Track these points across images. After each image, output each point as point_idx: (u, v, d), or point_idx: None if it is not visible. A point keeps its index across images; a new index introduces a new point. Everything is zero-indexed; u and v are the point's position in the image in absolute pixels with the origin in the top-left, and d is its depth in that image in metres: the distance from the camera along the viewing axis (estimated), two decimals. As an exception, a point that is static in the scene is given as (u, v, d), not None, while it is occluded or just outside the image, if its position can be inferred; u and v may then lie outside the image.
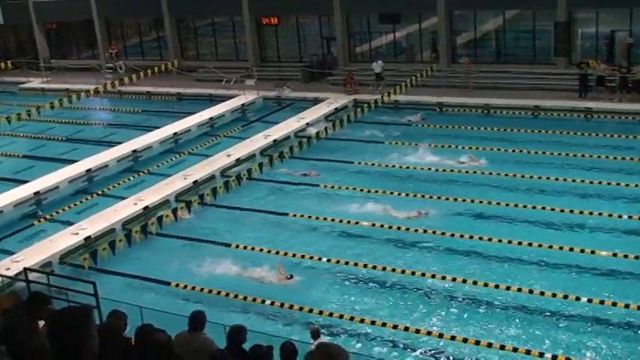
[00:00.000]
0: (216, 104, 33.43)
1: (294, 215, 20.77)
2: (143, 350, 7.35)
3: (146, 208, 21.36)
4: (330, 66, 37.45)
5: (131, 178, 25.34)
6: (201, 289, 16.79)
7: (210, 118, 31.53)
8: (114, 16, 44.42)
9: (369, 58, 37.13)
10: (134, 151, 27.39)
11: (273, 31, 39.76)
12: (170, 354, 7.25)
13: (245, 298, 16.22)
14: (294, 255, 18.27)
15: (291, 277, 16.99)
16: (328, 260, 17.85)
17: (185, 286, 17.02)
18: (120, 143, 28.27)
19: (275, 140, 27.37)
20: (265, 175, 24.27)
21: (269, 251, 18.61)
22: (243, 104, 33.53)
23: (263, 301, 16.02)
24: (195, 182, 23.34)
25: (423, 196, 21.42)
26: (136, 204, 21.58)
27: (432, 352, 13.86)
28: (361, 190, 22.36)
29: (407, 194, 21.68)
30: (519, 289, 15.70)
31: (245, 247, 18.93)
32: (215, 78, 37.97)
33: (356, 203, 21.32)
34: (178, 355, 7.68)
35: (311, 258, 18.06)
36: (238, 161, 25.23)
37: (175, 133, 29.45)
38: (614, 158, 23.33)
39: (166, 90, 37.31)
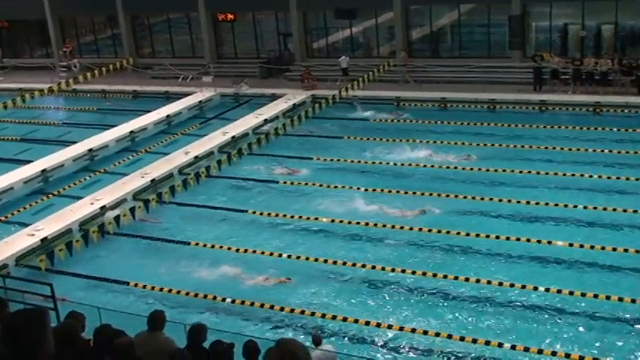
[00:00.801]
0: (173, 102, 33.15)
1: (254, 212, 20.69)
2: (102, 352, 7.26)
3: (103, 207, 21.10)
4: (287, 62, 37.39)
5: (87, 177, 25.03)
6: (161, 289, 16.64)
7: (167, 116, 31.26)
8: (67, 13, 43.76)
9: (327, 54, 37.21)
10: (90, 150, 27.03)
11: (230, 27, 39.56)
12: (130, 355, 7.16)
13: (205, 297, 16.11)
14: (254, 251, 18.20)
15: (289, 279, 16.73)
16: (289, 256, 17.82)
17: (144, 286, 16.85)
18: (75, 142, 27.87)
19: (233, 137, 27.24)
20: (224, 172, 24.17)
21: (229, 248, 18.52)
22: (200, 101, 33.32)
23: (224, 299, 15.93)
24: (152, 181, 23.13)
25: (382, 190, 21.57)
26: (92, 204, 21.31)
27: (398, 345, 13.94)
28: (320, 185, 22.37)
29: (366, 189, 21.74)
30: (477, 280, 15.87)
31: (205, 245, 18.81)
32: (171, 75, 37.64)
33: (317, 199, 21.34)
34: (139, 356, 7.61)
35: (271, 254, 18.00)
36: (196, 159, 25.06)
37: (132, 132, 29.13)
38: (569, 149, 23.66)
39: (122, 88, 36.91)
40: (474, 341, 13.64)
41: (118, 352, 7.14)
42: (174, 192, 22.22)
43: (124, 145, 28.34)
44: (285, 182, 22.91)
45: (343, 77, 33.26)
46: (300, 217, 20.08)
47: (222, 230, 19.87)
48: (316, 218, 19.90)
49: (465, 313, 14.84)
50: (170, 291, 16.50)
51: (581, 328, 14.04)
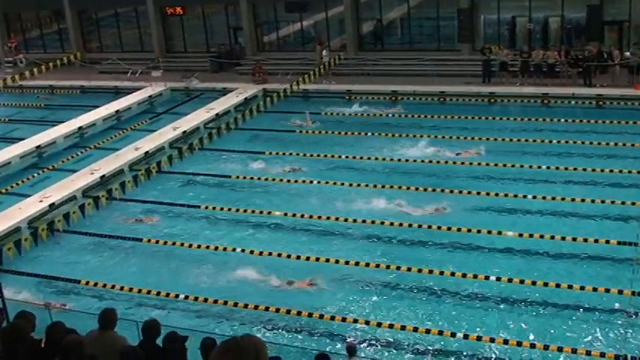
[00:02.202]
0: (122, 97, 32.74)
1: (206, 207, 20.56)
2: (53, 351, 7.15)
3: (52, 205, 20.75)
4: (238, 56, 37.18)
5: (35, 175, 24.56)
6: (112, 287, 16.44)
7: (117, 111, 30.87)
8: (12, 8, 42.85)
9: (277, 48, 37.10)
10: (38, 147, 26.56)
11: (179, 21, 39.17)
12: (81, 354, 7.06)
13: (158, 293, 15.97)
14: (207, 247, 18.08)
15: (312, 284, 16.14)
16: (242, 250, 17.74)
17: (95, 284, 16.63)
18: (22, 139, 27.33)
19: (184, 132, 27.01)
20: (174, 167, 23.99)
21: (181, 244, 18.36)
22: (150, 96, 32.96)
23: (177, 296, 15.81)
24: (102, 177, 22.82)
25: (334, 183, 21.59)
26: (41, 201, 20.95)
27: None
28: (273, 180, 22.32)
29: (319, 182, 21.78)
30: (430, 271, 16.00)
31: (157, 242, 18.63)
32: (120, 70, 37.17)
33: (269, 194, 21.30)
34: (91, 354, 7.51)
35: (224, 249, 17.91)
36: (147, 154, 24.79)
37: (80, 128, 28.70)
38: (518, 140, 23.96)
39: (70, 83, 36.29)
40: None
41: (67, 350, 7.03)
42: (124, 188, 21.96)
43: (72, 142, 27.91)
44: (237, 177, 22.78)
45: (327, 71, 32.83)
46: (261, 212, 19.98)
47: (174, 226, 19.65)
48: (269, 212, 19.86)
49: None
50: (122, 288, 16.30)
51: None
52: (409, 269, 16.11)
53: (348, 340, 12.02)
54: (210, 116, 28.86)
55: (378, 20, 35.63)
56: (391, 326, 14.07)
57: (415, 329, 13.94)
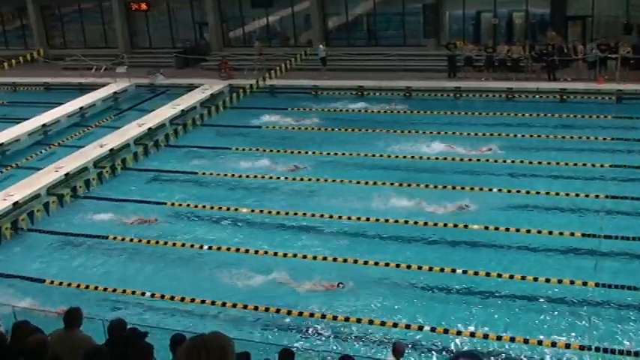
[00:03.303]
0: (87, 93, 32.40)
1: (172, 204, 20.43)
2: (18, 350, 7.05)
3: (16, 203, 20.46)
4: (203, 51, 36.98)
5: (-1, 173, 24.28)
6: (78, 285, 16.26)
7: (81, 108, 30.54)
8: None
9: (243, 43, 36.97)
10: (1, 144, 26.19)
11: (144, 16, 38.85)
12: (43, 353, 6.97)
13: (124, 291, 15.84)
14: (174, 244, 17.98)
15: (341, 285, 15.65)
16: (209, 248, 17.66)
17: (60, 283, 16.44)
18: (-15, 137, 26.98)
19: (150, 128, 26.80)
20: (140, 164, 23.83)
21: (148, 242, 18.23)
22: (114, 92, 32.68)
23: (143, 293, 15.70)
24: (67, 174, 22.56)
25: (301, 178, 21.58)
26: (5, 200, 20.64)
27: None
28: (239, 176, 22.26)
29: (286, 178, 21.75)
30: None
31: (123, 239, 18.47)
32: (84, 66, 36.78)
33: (236, 190, 21.24)
34: (53, 354, 7.41)
35: (192, 246, 17.82)
36: (112, 151, 24.55)
37: (44, 125, 28.34)
38: (483, 134, 24.14)
39: (33, 80, 35.83)
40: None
41: (31, 350, 6.94)
42: (89, 186, 21.76)
43: (36, 139, 27.56)
44: (204, 173, 22.68)
45: (323, 67, 32.48)
46: (228, 208, 19.94)
47: (133, 225, 19.45)
48: (236, 209, 19.82)
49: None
50: (87, 287, 16.13)
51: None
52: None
53: (397, 342, 11.87)
54: (176, 112, 28.67)
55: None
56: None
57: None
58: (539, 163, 21.46)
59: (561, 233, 16.95)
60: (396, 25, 35.41)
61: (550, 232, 17.02)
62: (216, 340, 4.28)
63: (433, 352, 13.17)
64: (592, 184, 19.79)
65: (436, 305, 14.76)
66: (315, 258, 16.72)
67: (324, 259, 16.68)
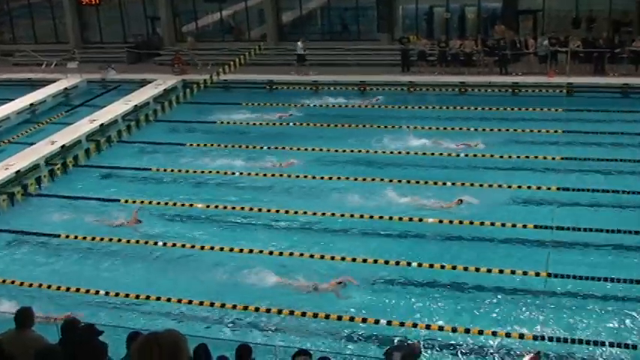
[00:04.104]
0: (37, 89, 31.84)
1: (126, 201, 20.20)
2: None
3: (-36, 202, 20.08)
4: (156, 46, 36.63)
5: (-54, 171, 23.71)
6: (21, 284, 15.95)
7: (31, 104, 30.01)
8: None
9: (196, 37, 36.70)
10: (-52, 142, 25.71)
11: (95, 11, 38.30)
12: (1, 352, 6.87)
13: (78, 290, 15.63)
14: (127, 241, 17.80)
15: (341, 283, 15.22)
16: (164, 244, 17.52)
17: (13, 282, 16.13)
18: None
19: (102, 124, 26.45)
20: (93, 161, 23.54)
21: (102, 239, 17.99)
22: (65, 88, 32.17)
23: (97, 292, 15.50)
24: (17, 172, 22.16)
25: (256, 174, 21.53)
26: (-48, 198, 20.24)
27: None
28: (194, 171, 22.11)
29: (242, 173, 21.69)
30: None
31: (76, 237, 18.20)
32: (34, 62, 36.14)
33: (191, 185, 21.11)
34: (11, 354, 7.31)
35: (146, 243, 17.65)
36: (63, 148, 24.18)
37: (-7, 122, 27.85)
38: (437, 129, 24.32)
39: (-19, 76, 35.16)
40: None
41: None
42: (40, 183, 21.42)
43: (-15, 136, 27.07)
44: (158, 169, 22.48)
45: (300, 64, 31.98)
46: (183, 204, 19.81)
47: (86, 222, 19.22)
48: (190, 205, 19.72)
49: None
50: (40, 285, 15.90)
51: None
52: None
53: (415, 342, 11.82)
54: (129, 108, 28.35)
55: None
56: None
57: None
58: (492, 156, 21.72)
59: (514, 225, 17.17)
60: (350, 20, 35.50)
61: (503, 224, 17.24)
62: (169, 336, 4.32)
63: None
64: (544, 176, 20.08)
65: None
66: (261, 252, 16.72)
67: (271, 253, 16.72)
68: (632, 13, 30.58)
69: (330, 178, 20.76)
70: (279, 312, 14.33)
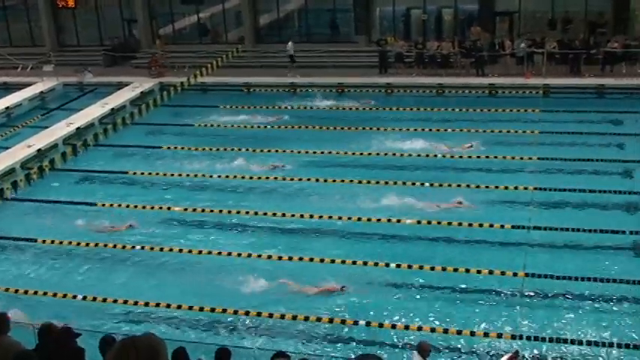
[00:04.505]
0: (13, 93, 31.54)
1: (103, 205, 20.06)
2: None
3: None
4: (133, 49, 36.44)
5: None
6: (6, 290, 15.83)
7: (7, 108, 29.75)
8: None
9: (173, 40, 36.58)
10: None
11: (71, 14, 38.00)
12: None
13: (55, 295, 15.49)
14: (105, 245, 17.66)
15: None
16: (142, 247, 17.43)
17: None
18: None
19: (78, 128, 26.26)
20: (69, 165, 23.38)
21: (78, 244, 17.85)
22: (41, 92, 31.92)
23: (74, 297, 15.40)
24: (-7, 176, 21.99)
25: (234, 176, 21.49)
26: None
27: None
28: (172, 175, 22.02)
29: (220, 176, 21.63)
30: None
31: (52, 242, 18.04)
32: (10, 65, 35.79)
33: (169, 189, 21.04)
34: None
35: (123, 247, 17.55)
36: (39, 152, 23.98)
37: (-31, 126, 27.58)
38: (415, 130, 24.37)
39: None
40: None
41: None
42: (16, 187, 21.23)
43: (-40, 140, 26.78)
44: (135, 172, 22.35)
45: (291, 64, 31.90)
46: (160, 207, 19.72)
47: (68, 225, 19.08)
48: (168, 207, 19.64)
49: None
50: (17, 290, 15.77)
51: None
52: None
53: (423, 341, 11.80)
54: (105, 111, 28.18)
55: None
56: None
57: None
58: (469, 157, 21.82)
59: (491, 225, 17.26)
60: (328, 22, 35.52)
61: (481, 225, 17.32)
62: (146, 340, 4.26)
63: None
64: (521, 177, 20.20)
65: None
66: (239, 255, 16.70)
67: (239, 255, 16.76)
68: (607, 14, 30.84)
69: (309, 180, 20.77)
70: (259, 314, 14.33)
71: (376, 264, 15.93)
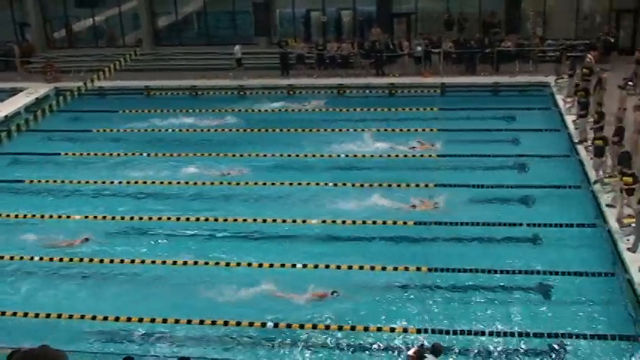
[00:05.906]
0: None
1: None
2: None
3: None
4: (26, 53, 35.27)
5: None
6: None
7: None
8: None
9: (69, 44, 35.69)
10: None
11: (-42, 17, 36.59)
12: None
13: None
14: (22, 258, 17.13)
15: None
16: (40, 259, 16.94)
17: None
18: None
19: (-30, 136, 25.34)
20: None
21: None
22: None
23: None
24: None
25: (135, 181, 21.23)
26: None
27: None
28: (70, 182, 21.47)
29: (120, 182, 21.25)
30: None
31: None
32: None
33: (68, 197, 20.61)
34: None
35: (21, 258, 17.03)
36: None
37: None
38: (317, 130, 24.54)
39: None
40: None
41: None
42: None
43: None
44: (31, 181, 21.67)
45: (238, 67, 31.25)
46: (60, 216, 19.20)
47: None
48: (68, 216, 19.16)
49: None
50: None
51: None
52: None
53: (436, 343, 11.70)
54: (-1, 118, 27.26)
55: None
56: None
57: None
58: (372, 156, 22.12)
59: (395, 222, 17.56)
60: (227, 24, 35.38)
61: (384, 222, 17.60)
62: (45, 352, 4.21)
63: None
64: (420, 174, 20.60)
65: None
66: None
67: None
68: (500, 14, 31.81)
69: (223, 182, 20.74)
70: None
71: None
